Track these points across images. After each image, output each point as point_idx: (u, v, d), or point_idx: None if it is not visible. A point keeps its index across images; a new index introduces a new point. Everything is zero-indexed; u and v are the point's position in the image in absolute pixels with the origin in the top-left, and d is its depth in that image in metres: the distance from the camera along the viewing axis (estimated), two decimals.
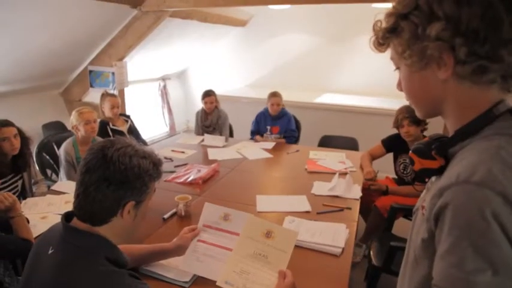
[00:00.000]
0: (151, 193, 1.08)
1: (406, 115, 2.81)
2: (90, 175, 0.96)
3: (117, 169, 0.96)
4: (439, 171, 0.78)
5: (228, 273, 1.36)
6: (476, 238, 0.63)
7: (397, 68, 0.82)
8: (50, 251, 0.98)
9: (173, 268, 1.53)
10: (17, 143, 2.46)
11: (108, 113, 3.54)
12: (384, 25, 0.78)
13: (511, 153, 0.66)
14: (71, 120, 2.91)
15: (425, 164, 0.81)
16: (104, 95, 3.62)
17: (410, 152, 0.86)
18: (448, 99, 0.75)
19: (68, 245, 0.97)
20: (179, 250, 1.52)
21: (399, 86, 0.84)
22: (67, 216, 1.02)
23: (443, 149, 0.78)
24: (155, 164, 1.05)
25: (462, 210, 0.64)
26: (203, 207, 1.60)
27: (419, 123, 2.78)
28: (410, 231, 0.87)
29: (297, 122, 4.29)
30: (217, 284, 1.35)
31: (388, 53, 0.83)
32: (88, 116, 2.87)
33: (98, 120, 3.08)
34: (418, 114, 0.84)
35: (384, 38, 0.78)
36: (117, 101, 3.60)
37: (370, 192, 2.86)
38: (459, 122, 0.76)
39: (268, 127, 4.14)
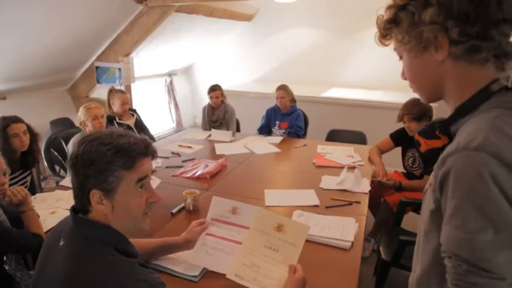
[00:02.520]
0: (128, 183, 0.99)
1: (406, 112, 2.80)
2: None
3: (72, 157, 0.98)
4: (444, 150, 0.81)
5: (238, 266, 1.35)
6: (476, 199, 0.69)
7: (400, 57, 0.89)
8: (61, 243, 0.99)
9: (182, 262, 1.53)
10: (26, 139, 2.48)
11: (118, 109, 3.54)
12: (385, 17, 0.86)
13: (506, 122, 0.72)
14: (79, 116, 2.92)
15: (430, 145, 0.90)
16: (113, 91, 3.63)
17: (416, 134, 0.97)
18: (447, 79, 0.82)
19: (78, 236, 0.98)
20: (188, 244, 1.52)
21: (403, 75, 0.91)
22: (75, 208, 1.03)
23: (445, 127, 0.84)
24: (120, 150, 0.97)
25: (462, 173, 0.70)
26: (211, 201, 1.59)
27: (420, 119, 2.74)
28: (421, 211, 0.93)
29: (305, 117, 4.26)
30: (227, 276, 1.34)
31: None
32: (96, 111, 2.88)
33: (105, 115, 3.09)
34: (422, 99, 0.91)
35: (386, 29, 0.86)
36: (127, 97, 3.62)
37: (384, 188, 2.83)
38: (458, 101, 0.82)
39: (277, 122, 4.13)
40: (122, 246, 0.99)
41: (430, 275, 0.84)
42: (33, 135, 2.57)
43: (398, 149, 3.13)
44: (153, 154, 1.06)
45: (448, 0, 0.74)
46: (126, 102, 3.58)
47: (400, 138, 3.07)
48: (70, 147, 2.91)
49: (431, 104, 2.68)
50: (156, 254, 1.54)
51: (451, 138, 0.81)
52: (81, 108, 2.91)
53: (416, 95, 0.95)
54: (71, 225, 1.01)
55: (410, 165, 3.02)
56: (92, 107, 2.89)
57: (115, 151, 0.96)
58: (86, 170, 0.95)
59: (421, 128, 0.93)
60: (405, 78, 0.91)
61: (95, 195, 0.96)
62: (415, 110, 2.74)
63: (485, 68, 0.78)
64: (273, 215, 1.45)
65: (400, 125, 3.02)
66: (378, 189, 2.86)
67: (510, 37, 0.76)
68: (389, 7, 0.85)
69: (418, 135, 0.92)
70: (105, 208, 0.98)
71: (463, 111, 0.81)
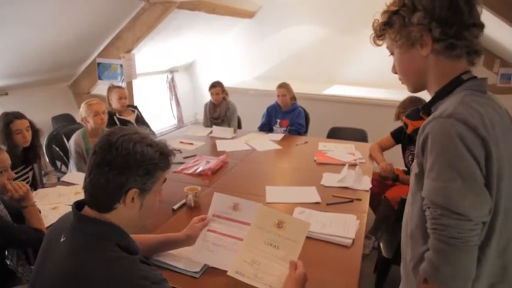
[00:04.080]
0: (159, 184, 1.05)
1: (402, 110, 2.81)
2: (94, 158, 0.97)
3: (119, 154, 0.95)
4: None
5: (238, 263, 1.35)
6: (447, 155, 0.87)
7: (392, 53, 1.09)
8: (62, 239, 0.98)
9: (183, 258, 1.53)
10: (28, 135, 2.49)
11: (115, 104, 3.55)
12: (380, 20, 1.04)
13: (472, 99, 0.93)
14: (80, 113, 2.92)
15: (416, 125, 1.05)
16: (111, 88, 3.65)
17: (404, 117, 1.12)
18: (429, 71, 1.02)
19: (79, 232, 0.97)
20: (189, 240, 1.52)
21: (394, 69, 1.10)
22: (78, 205, 1.02)
23: (427, 108, 1.03)
24: (162, 153, 1.02)
25: (436, 136, 0.89)
26: (213, 197, 1.59)
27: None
28: (410, 180, 1.09)
29: (306, 114, 4.26)
30: (228, 273, 1.34)
31: None
32: (97, 107, 2.88)
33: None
34: (408, 89, 1.10)
35: (381, 30, 1.05)
36: (124, 92, 3.62)
37: (382, 180, 2.84)
38: (438, 88, 1.01)
39: (278, 120, 4.12)
40: (124, 243, 0.99)
41: (417, 233, 1.00)
42: (35, 131, 2.57)
43: (399, 147, 3.13)
44: None
45: (431, 7, 0.94)
46: (124, 97, 3.58)
47: (400, 136, 3.07)
48: (72, 143, 2.91)
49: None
50: (157, 250, 1.55)
51: None
52: (82, 105, 2.91)
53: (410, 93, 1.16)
54: (72, 221, 1.00)
55: (410, 162, 3.02)
56: (94, 103, 2.89)
57: (160, 153, 1.01)
58: (136, 171, 0.97)
59: (408, 112, 1.21)
60: (395, 72, 1.10)
61: (131, 193, 0.98)
62: (412, 106, 2.74)
63: (459, 62, 0.99)
64: (274, 212, 1.45)
65: (400, 123, 3.02)
66: (379, 187, 2.86)
67: (478, 38, 0.96)
68: (384, 12, 1.04)
69: (406, 118, 1.20)
70: (134, 206, 1.00)
71: (441, 95, 1.00)
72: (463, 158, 0.86)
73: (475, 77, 0.99)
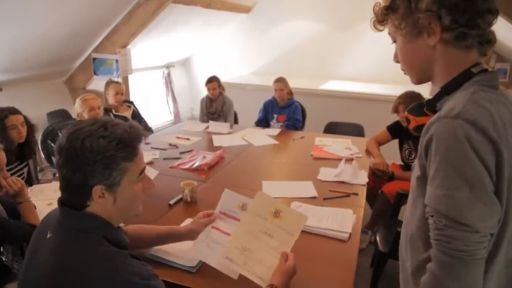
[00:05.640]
0: (132, 175, 0.97)
1: (402, 101, 2.82)
2: (56, 160, 0.95)
3: (69, 155, 0.91)
4: None
5: (230, 249, 1.33)
6: (454, 159, 0.78)
7: (394, 41, 0.98)
8: (48, 235, 0.96)
9: (179, 253, 1.52)
10: (23, 130, 2.47)
11: (111, 99, 3.54)
12: (382, 4, 0.94)
13: (482, 96, 0.83)
14: (76, 108, 2.91)
15: (419, 121, 0.97)
16: (109, 83, 3.64)
17: (406, 112, 1.05)
18: (436, 62, 0.92)
19: (65, 227, 0.95)
20: (192, 234, 1.48)
21: (396, 58, 1.00)
22: (63, 202, 0.99)
23: (432, 104, 0.94)
24: (121, 142, 0.93)
25: (442, 137, 0.80)
26: (222, 193, 1.54)
27: None
28: (411, 182, 1.00)
29: (303, 109, 4.25)
30: (218, 259, 1.33)
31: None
32: (92, 102, 2.87)
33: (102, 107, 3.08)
34: (412, 80, 0.99)
35: (383, 15, 0.95)
36: (121, 87, 3.60)
37: (377, 177, 2.84)
38: (444, 81, 0.92)
39: (275, 115, 4.12)
40: (112, 236, 0.97)
41: (418, 239, 0.93)
42: (30, 127, 2.56)
43: (396, 142, 3.13)
44: (143, 139, 1.03)
45: None
46: (120, 92, 3.56)
47: (396, 131, 3.07)
48: None
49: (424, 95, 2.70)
50: (158, 242, 1.52)
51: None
52: (77, 100, 2.90)
53: (411, 87, 1.07)
54: (58, 217, 0.98)
55: (407, 157, 3.02)
56: (89, 99, 2.88)
57: (116, 143, 0.93)
58: (91, 168, 0.91)
59: (410, 106, 1.03)
60: (397, 61, 1.00)
61: (98, 190, 0.93)
62: (412, 101, 2.74)
63: (469, 53, 0.89)
64: (272, 199, 1.43)
65: (396, 117, 3.03)
66: (376, 181, 2.86)
67: (492, 26, 0.87)
68: None
69: (408, 113, 1.02)
70: (106, 201, 0.95)
71: (448, 89, 0.91)
72: (471, 164, 0.77)
73: (486, 70, 0.90)
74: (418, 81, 0.99)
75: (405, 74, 1.00)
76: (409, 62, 0.97)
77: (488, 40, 0.88)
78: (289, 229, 1.33)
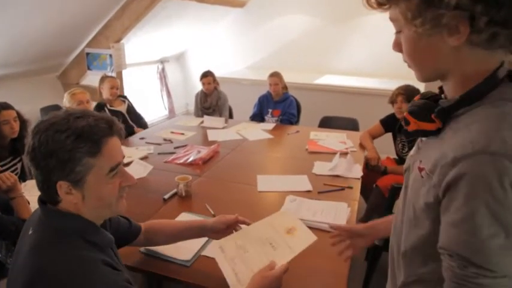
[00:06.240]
0: (100, 171, 0.91)
1: (401, 92, 2.83)
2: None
3: (29, 150, 0.89)
4: (436, 133, 0.78)
5: (228, 240, 1.30)
6: (494, 207, 0.64)
7: (399, 31, 0.77)
8: (30, 232, 0.94)
9: (173, 247, 1.50)
10: (16, 126, 2.45)
11: (106, 94, 3.52)
12: None
13: None
14: (64, 103, 2.92)
15: (421, 126, 0.80)
16: (104, 77, 3.63)
17: (406, 112, 0.84)
18: (455, 64, 0.73)
19: (44, 225, 0.94)
20: (217, 229, 1.38)
21: (397, 47, 0.79)
22: (43, 199, 0.98)
23: (446, 113, 0.75)
24: (80, 136, 0.87)
25: (481, 179, 0.64)
26: (279, 212, 1.50)
27: None
28: (404, 189, 0.89)
29: (298, 104, 4.25)
30: (210, 244, 1.29)
31: (391, 33, 0.79)
32: (80, 96, 2.88)
33: (94, 103, 3.07)
34: (417, 77, 0.81)
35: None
36: (116, 82, 3.60)
37: (370, 172, 2.86)
38: (462, 86, 0.74)
39: (270, 110, 4.11)
40: (91, 237, 0.94)
41: (417, 254, 0.83)
42: (23, 122, 2.54)
43: (390, 136, 3.14)
44: (119, 133, 0.97)
45: None
46: (115, 87, 3.55)
47: (389, 124, 3.08)
48: None
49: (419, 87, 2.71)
50: (175, 237, 1.44)
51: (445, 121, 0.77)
52: (65, 95, 2.90)
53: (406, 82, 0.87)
54: (39, 215, 0.96)
55: (401, 150, 3.03)
56: (77, 93, 2.89)
57: (75, 137, 0.87)
58: (48, 163, 0.87)
59: (412, 108, 0.83)
60: (399, 51, 0.79)
61: (62, 186, 0.89)
62: (411, 94, 2.75)
63: (495, 53, 0.70)
64: (294, 219, 1.40)
65: (391, 111, 3.04)
66: (371, 175, 2.87)
67: None
68: None
69: (409, 114, 0.82)
70: (75, 198, 0.91)
71: (469, 99, 0.72)
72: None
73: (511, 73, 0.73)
74: (426, 79, 0.81)
75: (409, 67, 0.81)
76: (418, 59, 0.77)
77: None
78: (294, 246, 1.28)
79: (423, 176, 0.77)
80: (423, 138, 0.86)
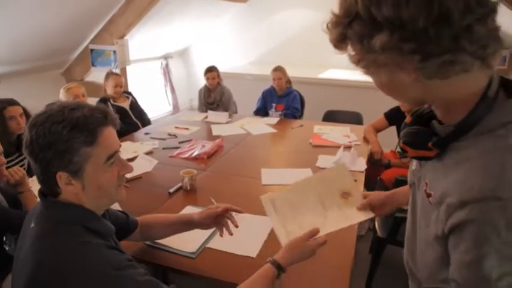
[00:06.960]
0: (98, 160, 0.94)
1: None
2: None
3: (27, 144, 0.91)
4: (436, 157, 0.75)
5: (278, 195, 1.20)
6: (503, 249, 0.63)
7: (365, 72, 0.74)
8: (32, 225, 0.96)
9: (179, 239, 1.52)
10: (22, 121, 2.47)
11: (110, 91, 3.55)
12: (333, 36, 0.72)
13: None
14: (60, 98, 2.94)
15: (419, 153, 0.78)
16: (109, 74, 3.65)
17: (401, 143, 0.81)
18: (431, 93, 0.69)
19: (45, 217, 0.96)
20: (204, 224, 1.40)
21: (377, 84, 0.75)
22: (43, 192, 1.00)
23: (444, 144, 0.72)
24: (76, 127, 0.89)
25: (490, 225, 0.63)
26: (335, 167, 1.37)
27: None
28: (412, 205, 0.88)
29: (301, 98, 4.25)
30: (260, 197, 1.21)
31: None
32: (76, 90, 2.90)
33: (98, 98, 3.09)
34: (403, 107, 0.77)
35: (338, 46, 0.73)
36: (120, 80, 3.61)
37: (374, 165, 2.86)
38: (451, 111, 0.71)
39: (274, 104, 4.12)
40: (93, 225, 0.96)
41: (430, 272, 0.81)
42: (29, 118, 2.56)
43: (394, 129, 3.14)
44: (114, 122, 0.99)
45: (397, 17, 0.58)
46: (119, 85, 3.57)
47: (394, 117, 3.07)
48: None
49: None
50: (170, 231, 1.46)
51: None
52: (61, 90, 2.93)
53: None
54: (40, 207, 0.98)
55: None
56: (72, 87, 2.93)
57: (70, 128, 0.89)
58: (46, 155, 0.89)
59: (406, 139, 0.80)
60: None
61: (62, 177, 0.91)
62: None
63: (470, 74, 0.64)
64: (351, 181, 1.23)
65: (396, 104, 3.03)
66: (374, 168, 2.88)
67: (493, 25, 0.61)
68: (334, 24, 0.71)
69: (405, 145, 0.80)
70: (75, 188, 0.94)
71: (466, 127, 0.69)
72: None
73: (505, 87, 0.69)
74: (410, 107, 0.81)
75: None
76: (390, 93, 0.74)
77: (491, 46, 0.61)
78: (350, 215, 1.15)
79: (431, 202, 0.75)
80: None
